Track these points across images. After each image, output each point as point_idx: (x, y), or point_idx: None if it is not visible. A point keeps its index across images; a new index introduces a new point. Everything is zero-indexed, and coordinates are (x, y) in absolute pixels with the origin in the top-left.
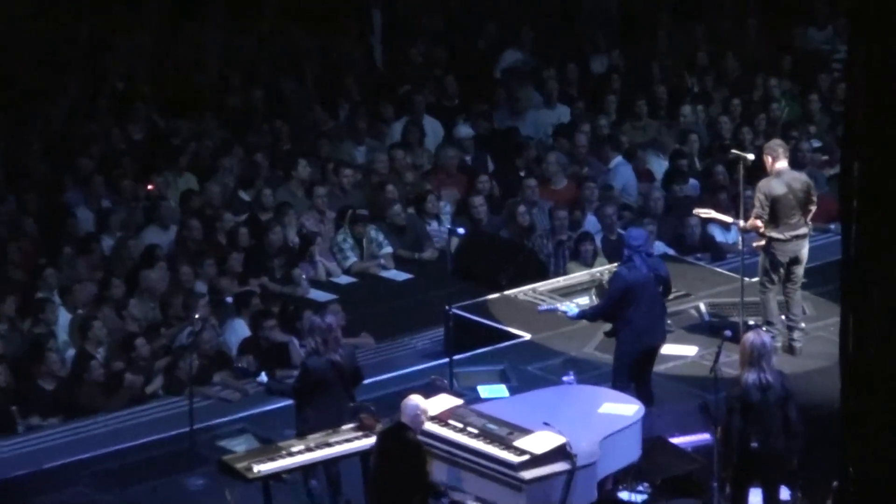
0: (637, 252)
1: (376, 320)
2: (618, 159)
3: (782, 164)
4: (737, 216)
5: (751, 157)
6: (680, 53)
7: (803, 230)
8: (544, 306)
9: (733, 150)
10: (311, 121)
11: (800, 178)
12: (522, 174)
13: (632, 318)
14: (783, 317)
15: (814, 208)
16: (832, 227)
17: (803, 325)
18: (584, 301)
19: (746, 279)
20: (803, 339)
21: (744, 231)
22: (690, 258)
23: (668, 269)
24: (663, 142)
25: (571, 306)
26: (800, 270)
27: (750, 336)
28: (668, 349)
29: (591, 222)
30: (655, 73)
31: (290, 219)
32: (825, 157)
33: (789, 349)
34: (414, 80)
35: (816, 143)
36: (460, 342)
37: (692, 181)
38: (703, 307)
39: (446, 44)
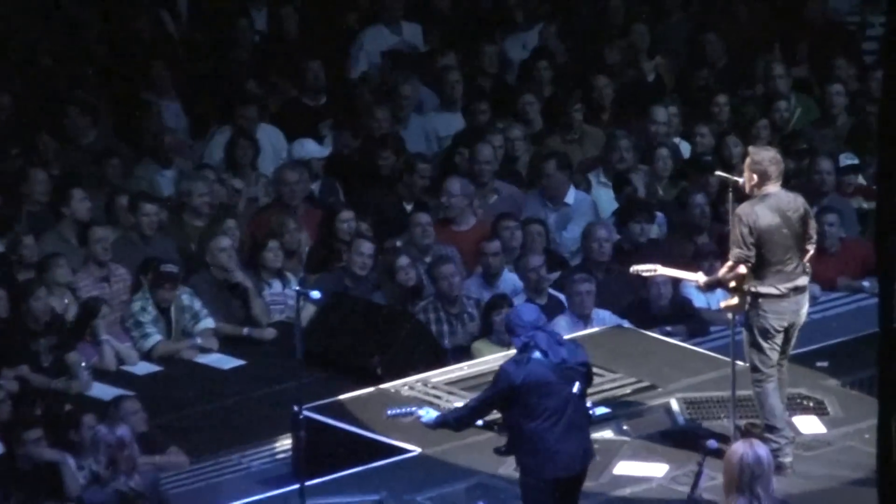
0: (530, 336)
1: (192, 428)
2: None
3: (774, 185)
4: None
5: (741, 179)
6: (640, 32)
7: (803, 280)
8: (394, 409)
9: (718, 172)
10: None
11: (794, 203)
12: (409, 208)
13: (532, 434)
14: (789, 429)
15: (810, 249)
16: (866, 283)
17: (800, 427)
18: None
19: (740, 363)
20: (804, 449)
21: (708, 286)
22: (657, 332)
23: (588, 357)
24: (612, 160)
25: (428, 410)
26: (792, 340)
27: (740, 449)
28: (625, 468)
29: (508, 281)
30: (604, 59)
31: (62, 277)
32: (855, 182)
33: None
34: (246, 67)
35: (848, 160)
36: (317, 460)
37: (658, 216)
38: (675, 405)
39: (303, 14)
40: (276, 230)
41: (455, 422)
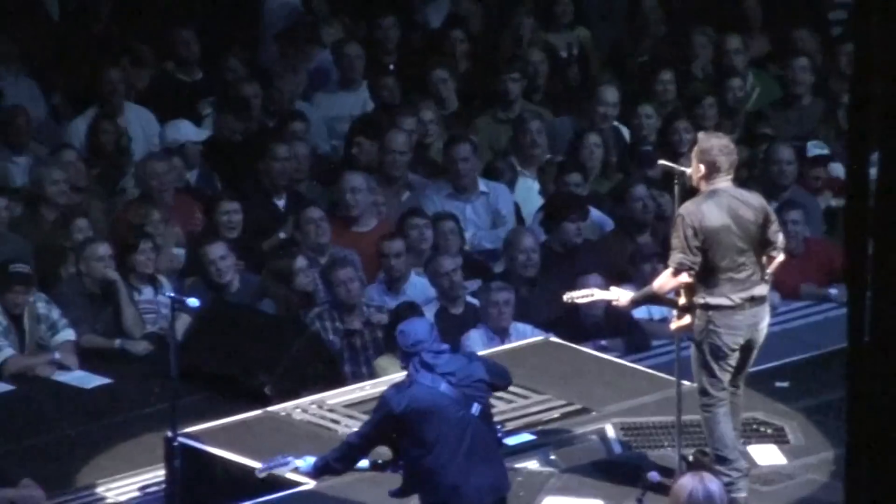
0: (418, 358)
1: (48, 457)
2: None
3: (724, 179)
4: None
5: (689, 170)
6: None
7: (762, 289)
8: (265, 465)
9: (661, 161)
10: None
11: (750, 202)
12: (280, 204)
13: (429, 469)
14: (743, 460)
15: (778, 255)
16: (833, 291)
17: (757, 457)
18: None
19: (686, 383)
20: (762, 483)
21: (636, 304)
22: (589, 347)
23: (494, 367)
24: (532, 148)
25: (308, 459)
26: (751, 360)
27: (688, 483)
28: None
29: (420, 287)
30: (524, 30)
31: None
32: (819, 174)
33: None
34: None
35: (816, 149)
36: (194, 494)
37: (594, 214)
38: (611, 431)
39: None
40: (143, 229)
41: (337, 463)
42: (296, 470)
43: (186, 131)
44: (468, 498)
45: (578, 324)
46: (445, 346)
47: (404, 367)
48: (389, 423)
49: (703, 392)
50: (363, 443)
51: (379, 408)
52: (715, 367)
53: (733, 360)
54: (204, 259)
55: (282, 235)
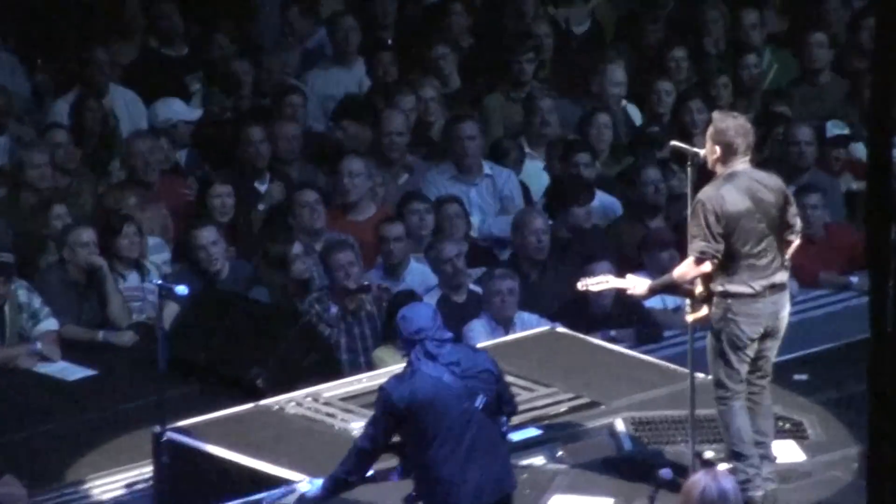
0: (420, 346)
1: (31, 453)
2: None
3: (742, 160)
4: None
5: (703, 151)
6: None
7: (782, 276)
8: (270, 496)
9: (674, 142)
10: None
11: (769, 184)
12: (262, 188)
13: (430, 463)
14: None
15: (796, 239)
16: (854, 279)
17: (776, 453)
18: None
19: (701, 375)
20: (778, 479)
21: (654, 292)
22: (599, 337)
23: (499, 368)
24: (534, 125)
25: (314, 482)
26: (773, 351)
27: (701, 481)
28: (561, 503)
29: (419, 273)
30: (527, 5)
31: None
32: (844, 157)
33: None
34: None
35: (836, 129)
36: (183, 491)
37: (602, 197)
38: (621, 427)
39: None
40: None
41: (349, 476)
42: (302, 497)
43: (178, 109)
44: (467, 495)
45: (587, 313)
46: (449, 335)
47: (405, 356)
48: (393, 417)
49: (719, 384)
50: (372, 446)
51: (380, 401)
52: (733, 357)
53: (752, 350)
54: (193, 244)
55: (260, 207)
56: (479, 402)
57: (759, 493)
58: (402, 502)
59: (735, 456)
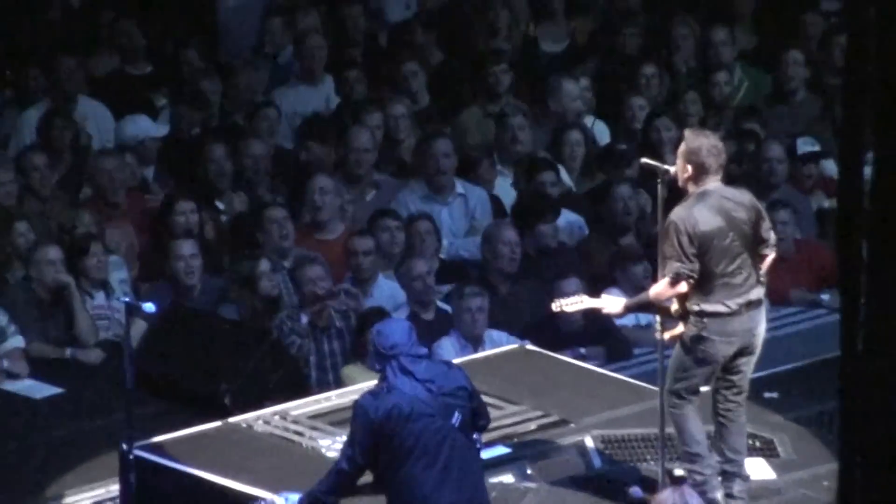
0: (396, 362)
1: None
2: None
3: (713, 179)
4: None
5: (673, 169)
6: None
7: (758, 292)
8: None
9: (645, 159)
10: None
11: (742, 201)
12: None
13: (403, 482)
14: (716, 455)
15: (771, 252)
16: (824, 297)
17: (748, 471)
18: None
19: None
20: (749, 498)
21: (629, 310)
22: (568, 355)
23: (472, 384)
24: (504, 142)
25: (288, 496)
26: (749, 367)
27: (668, 499)
28: None
29: (388, 290)
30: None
31: None
32: (811, 172)
33: None
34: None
35: (807, 146)
36: None
37: (568, 216)
38: (591, 444)
39: None
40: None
41: (329, 495)
42: None
43: (145, 126)
44: None
45: (557, 330)
46: (424, 351)
47: (378, 371)
48: (369, 433)
49: (675, 394)
50: (350, 465)
51: (356, 418)
52: (698, 373)
53: (718, 368)
54: (171, 256)
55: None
56: (456, 419)
57: (718, 494)
58: None
59: (689, 458)
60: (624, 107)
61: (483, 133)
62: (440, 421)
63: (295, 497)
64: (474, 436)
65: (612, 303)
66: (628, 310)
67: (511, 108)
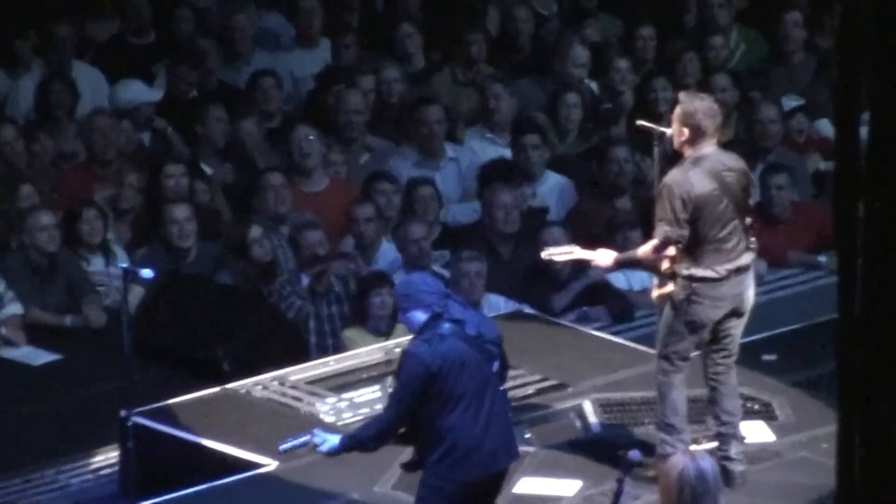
0: (443, 306)
1: None
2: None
3: (709, 143)
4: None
5: (670, 131)
6: None
7: (747, 258)
8: (286, 443)
9: (640, 121)
10: None
11: (734, 166)
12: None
13: (449, 429)
14: (710, 420)
15: (749, 220)
16: (822, 259)
17: (745, 434)
18: (367, 410)
19: None
20: (748, 460)
21: (619, 265)
22: (565, 320)
23: (503, 336)
24: (496, 113)
25: (322, 436)
26: (738, 330)
27: (679, 463)
28: (528, 486)
29: (388, 254)
30: None
31: None
32: (802, 127)
33: (723, 476)
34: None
35: (794, 103)
36: (149, 476)
37: (557, 178)
38: (590, 408)
39: None
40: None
41: (373, 441)
42: (314, 447)
43: (139, 91)
44: (482, 461)
45: (548, 283)
46: (465, 301)
47: (408, 327)
48: (423, 380)
49: (665, 358)
50: (399, 413)
51: (409, 366)
52: (687, 336)
53: (707, 332)
54: (166, 219)
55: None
56: (495, 366)
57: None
58: (401, 467)
59: (666, 428)
60: (610, 68)
61: (456, 102)
62: (485, 368)
63: (334, 438)
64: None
65: (602, 255)
66: (618, 264)
67: (490, 79)
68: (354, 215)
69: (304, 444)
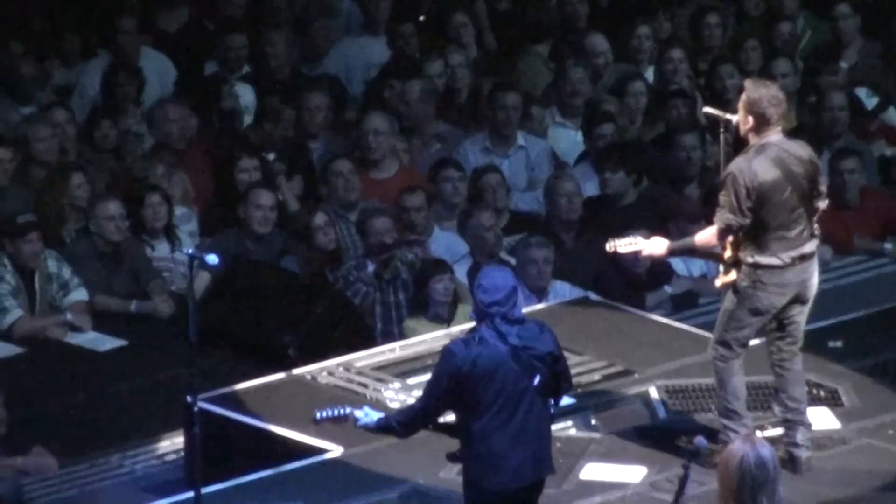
0: (489, 321)
1: (61, 424)
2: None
3: (774, 131)
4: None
5: (736, 118)
6: None
7: (811, 245)
8: (323, 411)
9: (707, 109)
10: None
11: (800, 154)
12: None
13: (478, 434)
14: (776, 406)
15: (823, 205)
16: (887, 246)
17: (811, 420)
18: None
19: None
20: (813, 446)
21: (672, 253)
22: (631, 307)
23: (560, 348)
24: (563, 93)
25: (368, 411)
26: (803, 317)
27: (739, 450)
28: (594, 472)
29: (445, 242)
30: None
31: None
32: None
33: (789, 462)
34: None
35: (868, 98)
36: (215, 462)
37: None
38: (655, 394)
39: None
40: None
41: (401, 427)
42: (355, 421)
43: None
44: (507, 473)
45: (620, 278)
46: (521, 314)
47: (473, 319)
48: (451, 377)
49: (724, 344)
50: (431, 403)
51: (442, 360)
52: (748, 322)
53: (769, 318)
54: (250, 203)
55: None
56: (536, 381)
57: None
58: (447, 457)
59: (728, 414)
60: (630, 35)
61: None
62: (523, 382)
63: (375, 415)
64: (550, 401)
65: (655, 244)
66: (671, 252)
67: (572, 61)
68: (405, 204)
69: (342, 416)
